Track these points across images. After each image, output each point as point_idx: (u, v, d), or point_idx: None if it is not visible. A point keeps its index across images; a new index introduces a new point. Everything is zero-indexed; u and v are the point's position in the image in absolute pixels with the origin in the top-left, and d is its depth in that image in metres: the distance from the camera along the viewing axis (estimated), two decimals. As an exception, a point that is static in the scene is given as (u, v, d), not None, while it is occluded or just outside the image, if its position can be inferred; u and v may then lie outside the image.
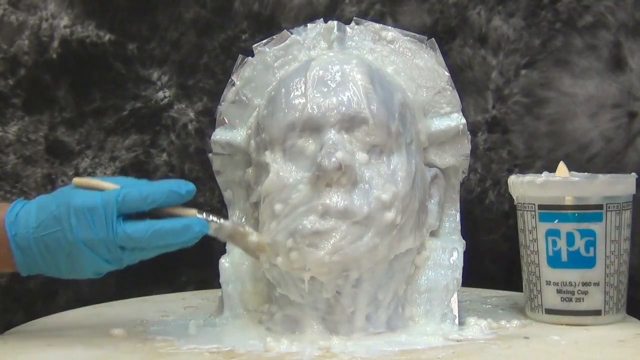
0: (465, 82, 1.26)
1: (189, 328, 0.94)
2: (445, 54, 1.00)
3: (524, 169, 1.25)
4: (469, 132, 0.96)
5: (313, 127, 0.88)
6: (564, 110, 1.25)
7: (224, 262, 0.98)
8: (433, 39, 0.97)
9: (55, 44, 1.27)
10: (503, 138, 1.27)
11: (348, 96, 0.88)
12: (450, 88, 0.96)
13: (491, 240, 1.27)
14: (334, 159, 0.85)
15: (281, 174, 0.88)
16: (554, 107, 1.25)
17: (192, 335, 0.92)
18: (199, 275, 1.29)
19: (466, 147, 0.96)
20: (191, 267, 1.30)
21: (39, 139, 1.27)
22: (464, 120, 0.96)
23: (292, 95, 0.90)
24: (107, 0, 1.29)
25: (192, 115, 1.30)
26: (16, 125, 1.27)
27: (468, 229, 1.01)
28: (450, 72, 0.97)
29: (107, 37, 1.28)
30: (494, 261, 1.26)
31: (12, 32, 1.27)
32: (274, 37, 0.98)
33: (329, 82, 0.89)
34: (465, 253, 0.96)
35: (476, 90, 1.27)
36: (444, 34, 1.26)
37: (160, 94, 1.30)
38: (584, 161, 1.23)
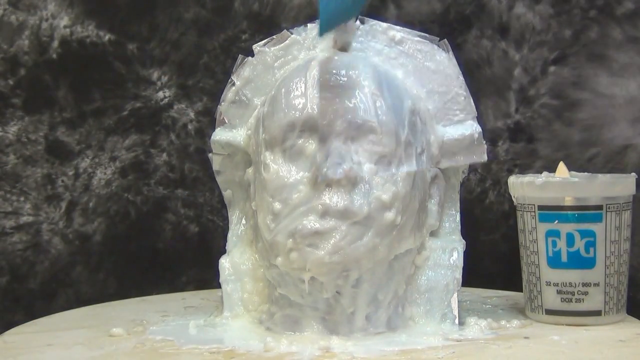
0: (482, 81, 1.17)
1: (189, 328, 0.94)
2: (458, 48, 0.91)
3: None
4: (484, 142, 0.92)
5: (313, 127, 0.87)
6: (600, 115, 1.13)
7: (224, 262, 0.97)
8: (445, 39, 0.93)
9: (55, 44, 1.27)
10: (528, 147, 1.16)
11: (354, 103, 0.86)
12: (465, 93, 0.93)
13: (491, 240, 1.24)
14: (340, 170, 0.84)
15: (281, 174, 0.88)
16: (589, 110, 1.14)
17: (192, 335, 0.92)
18: (199, 275, 1.29)
19: (482, 158, 0.93)
20: (191, 267, 1.30)
21: (39, 139, 1.27)
22: (479, 129, 0.92)
23: (292, 95, 0.89)
24: (107, 0, 1.29)
25: (192, 115, 1.30)
26: (16, 125, 1.27)
27: (468, 229, 0.99)
28: (464, 69, 0.91)
29: (107, 37, 1.28)
30: (494, 261, 1.23)
31: (12, 32, 1.27)
32: (274, 37, 0.98)
33: (334, 86, 0.87)
34: (465, 253, 0.95)
35: (496, 90, 1.17)
36: (457, 23, 1.16)
37: (160, 94, 1.30)
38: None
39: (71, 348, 0.89)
